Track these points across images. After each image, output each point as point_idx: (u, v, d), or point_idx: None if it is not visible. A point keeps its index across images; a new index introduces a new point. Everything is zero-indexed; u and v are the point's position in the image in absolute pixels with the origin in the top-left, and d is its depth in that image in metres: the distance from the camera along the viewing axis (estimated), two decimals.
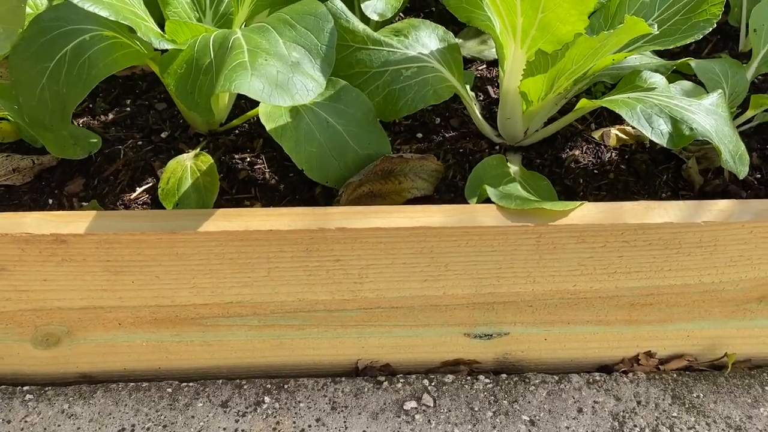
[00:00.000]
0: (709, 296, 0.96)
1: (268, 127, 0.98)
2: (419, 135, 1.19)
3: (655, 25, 0.92)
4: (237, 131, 1.18)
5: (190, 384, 1.02)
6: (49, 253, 0.86)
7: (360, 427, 0.96)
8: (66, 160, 1.10)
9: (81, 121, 1.21)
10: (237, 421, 0.97)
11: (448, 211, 0.89)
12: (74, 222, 0.86)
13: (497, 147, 1.15)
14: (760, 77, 1.33)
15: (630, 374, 1.04)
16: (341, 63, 1.05)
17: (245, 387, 1.01)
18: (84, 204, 1.06)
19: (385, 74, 1.06)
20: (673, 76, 1.17)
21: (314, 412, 0.98)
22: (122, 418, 0.97)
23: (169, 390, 1.01)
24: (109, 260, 0.87)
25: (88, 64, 0.94)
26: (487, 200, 0.93)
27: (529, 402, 1.00)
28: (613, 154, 1.16)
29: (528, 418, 0.97)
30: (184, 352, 1.00)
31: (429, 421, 0.97)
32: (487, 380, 1.02)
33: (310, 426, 0.96)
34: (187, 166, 1.04)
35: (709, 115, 0.95)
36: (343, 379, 1.02)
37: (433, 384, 1.02)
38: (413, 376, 1.03)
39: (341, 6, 1.05)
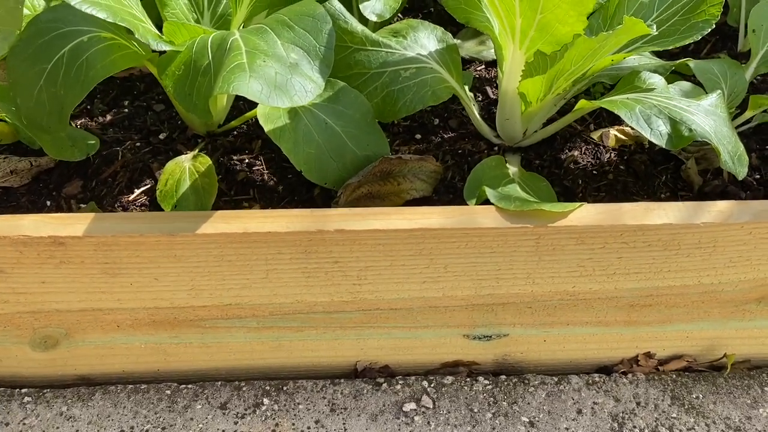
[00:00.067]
0: (708, 297, 0.96)
1: (266, 129, 0.98)
2: (418, 136, 1.18)
3: (654, 26, 0.92)
4: (235, 132, 1.18)
5: (189, 386, 1.01)
6: (47, 255, 0.86)
7: (359, 429, 0.96)
8: (64, 161, 1.10)
9: (79, 122, 1.21)
10: (236, 423, 0.96)
11: (447, 212, 0.89)
12: (72, 224, 0.86)
13: (496, 148, 1.15)
14: (758, 77, 1.33)
15: (629, 375, 1.04)
16: (340, 64, 1.05)
17: (244, 389, 1.01)
18: (82, 206, 1.05)
19: (383, 75, 1.06)
20: (672, 76, 1.17)
21: (313, 414, 0.98)
22: (121, 420, 0.97)
23: (168, 392, 1.01)
24: (107, 262, 0.87)
25: (86, 65, 0.94)
26: (486, 201, 0.93)
27: (529, 403, 0.99)
28: (612, 154, 1.16)
29: (527, 420, 0.97)
30: (183, 354, 1.00)
31: (428, 422, 0.97)
32: (487, 381, 1.02)
33: (309, 428, 0.96)
34: (185, 168, 1.04)
35: (708, 116, 0.95)
36: (342, 380, 1.02)
37: (432, 385, 1.01)
38: (412, 377, 1.03)
39: (339, 7, 1.05)
